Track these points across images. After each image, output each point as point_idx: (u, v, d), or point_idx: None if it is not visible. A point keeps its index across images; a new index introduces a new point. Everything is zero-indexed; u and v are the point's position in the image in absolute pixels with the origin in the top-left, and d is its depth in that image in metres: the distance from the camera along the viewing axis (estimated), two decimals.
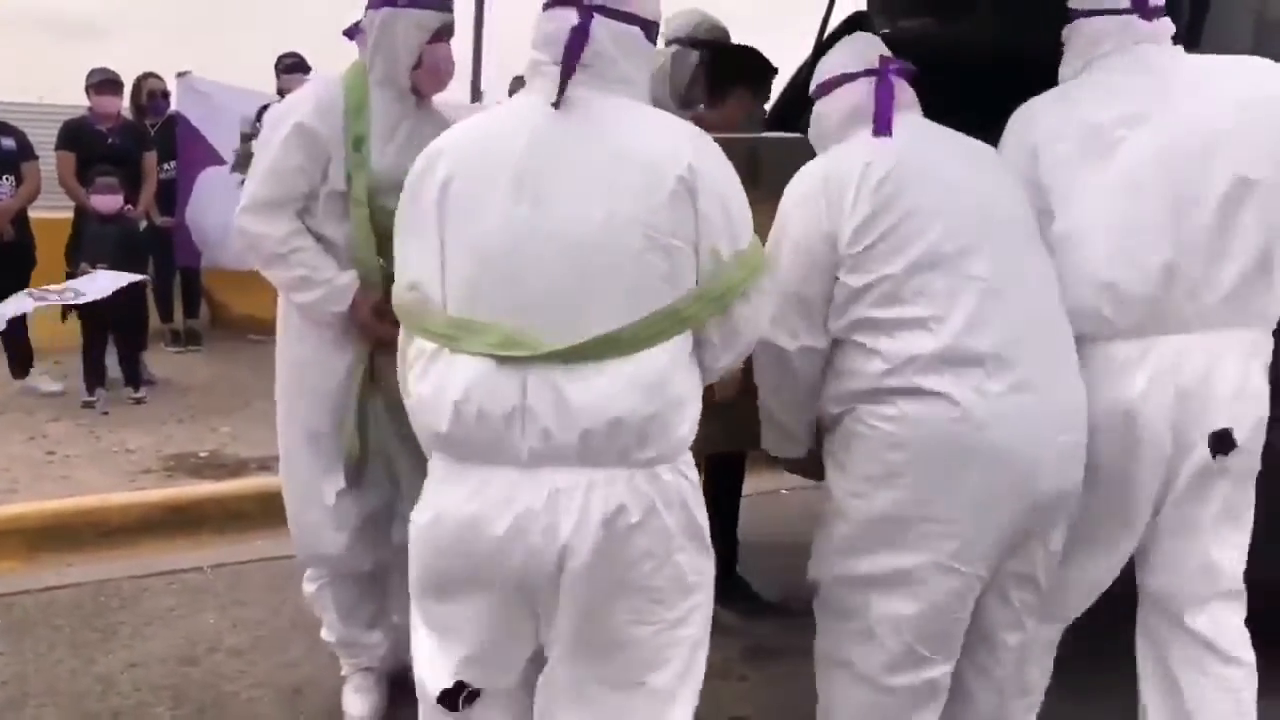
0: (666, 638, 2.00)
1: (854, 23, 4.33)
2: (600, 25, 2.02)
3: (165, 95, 7.69)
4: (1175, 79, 2.49)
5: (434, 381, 1.97)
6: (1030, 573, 2.42)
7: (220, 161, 7.45)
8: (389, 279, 2.20)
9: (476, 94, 6.15)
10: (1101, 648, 2.67)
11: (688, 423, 1.99)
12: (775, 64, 3.69)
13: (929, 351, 2.25)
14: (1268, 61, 2.53)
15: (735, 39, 3.93)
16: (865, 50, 2.54)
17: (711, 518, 2.09)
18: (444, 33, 2.88)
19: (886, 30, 4.17)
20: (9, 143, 6.63)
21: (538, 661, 2.06)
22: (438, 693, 2.05)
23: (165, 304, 7.82)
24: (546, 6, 2.07)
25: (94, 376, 6.41)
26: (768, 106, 3.97)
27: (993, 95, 2.71)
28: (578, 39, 1.99)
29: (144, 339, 6.86)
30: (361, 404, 2.89)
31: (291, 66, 7.41)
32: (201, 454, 5.59)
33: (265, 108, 4.60)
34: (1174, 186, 2.40)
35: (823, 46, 3.94)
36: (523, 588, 1.95)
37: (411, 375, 2.04)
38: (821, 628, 2.50)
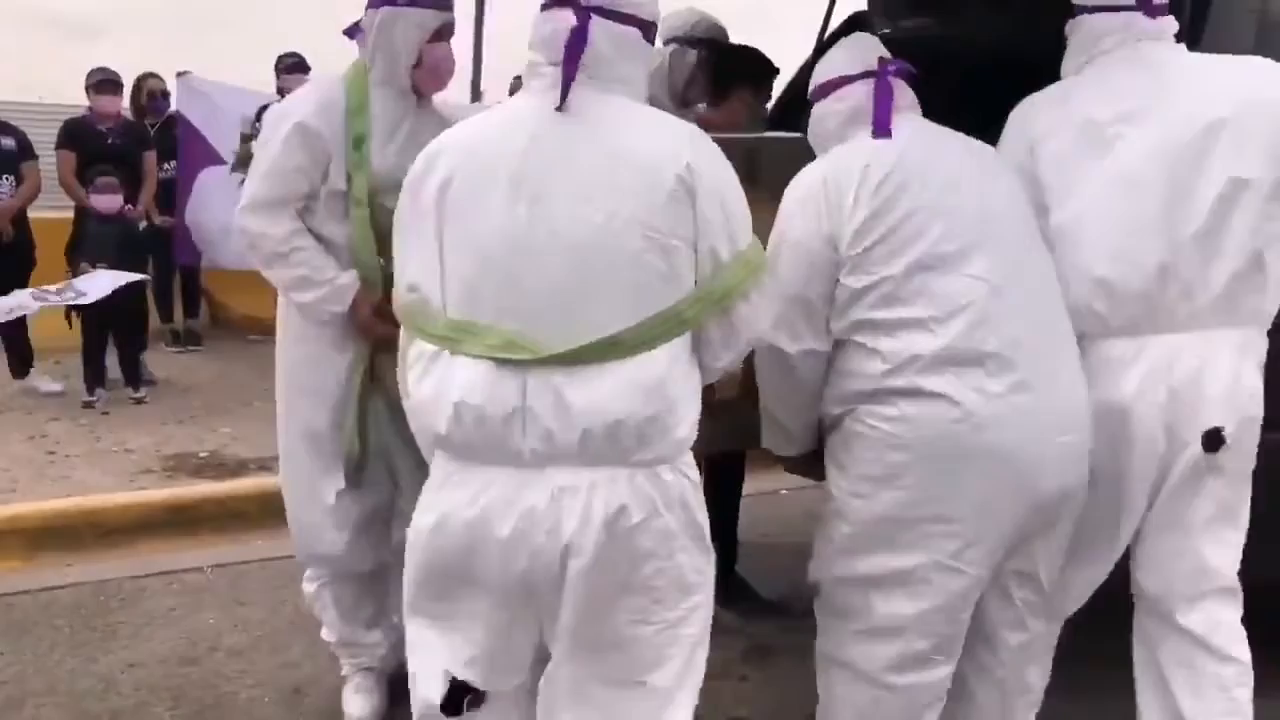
0: (667, 637, 2.01)
1: (854, 23, 4.32)
2: (598, 26, 2.01)
3: (165, 95, 7.69)
4: (1175, 77, 2.49)
5: (434, 383, 1.97)
6: (1032, 571, 2.43)
7: (220, 161, 7.44)
8: (389, 279, 2.20)
9: (476, 94, 6.14)
10: (1101, 647, 2.67)
11: (688, 423, 1.99)
12: (775, 63, 3.70)
13: (930, 352, 2.25)
14: (1268, 61, 2.53)
15: (733, 38, 3.92)
16: (864, 52, 2.54)
17: (711, 517, 2.09)
18: (444, 32, 2.88)
19: (887, 30, 4.17)
20: (9, 142, 6.64)
21: (542, 663, 2.06)
22: (440, 698, 2.04)
23: (165, 304, 7.83)
24: (544, 7, 2.07)
25: (94, 376, 6.42)
26: (769, 106, 3.97)
27: (993, 95, 2.71)
28: (576, 41, 1.99)
29: (144, 339, 6.87)
30: (362, 404, 2.89)
31: (292, 66, 7.42)
32: (201, 454, 5.59)
33: (265, 108, 4.59)
34: (1170, 185, 2.40)
35: (823, 47, 3.93)
36: (527, 588, 1.95)
37: (411, 376, 2.04)
38: (822, 628, 2.50)
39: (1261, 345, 2.47)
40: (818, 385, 2.43)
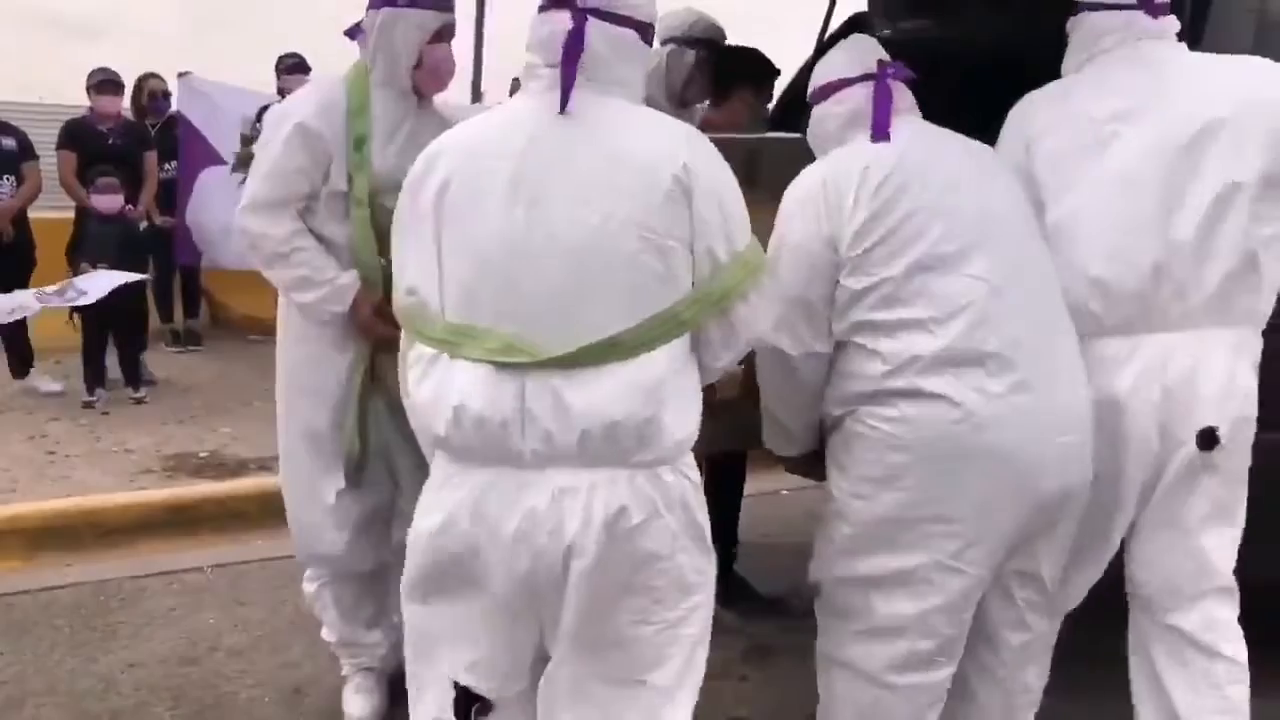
0: (667, 637, 2.01)
1: (855, 24, 4.33)
2: (594, 28, 2.01)
3: (166, 95, 7.70)
4: (1175, 76, 2.49)
5: (433, 386, 1.97)
6: (1035, 571, 2.43)
7: (221, 162, 7.45)
8: (390, 279, 2.20)
9: (477, 94, 6.14)
10: (1100, 647, 2.67)
11: (688, 425, 1.99)
12: (776, 64, 3.69)
13: (930, 353, 2.25)
14: (1268, 62, 2.53)
15: (733, 38, 3.92)
16: (862, 54, 2.54)
17: (712, 517, 2.09)
18: (445, 33, 2.89)
19: (887, 31, 4.17)
20: (10, 142, 6.64)
21: (542, 664, 2.06)
22: (448, 708, 2.04)
23: (165, 304, 7.83)
24: (541, 9, 2.07)
25: (94, 376, 6.42)
26: (770, 106, 3.97)
27: (993, 96, 2.71)
28: (573, 43, 1.99)
29: (144, 339, 6.87)
30: (362, 404, 2.89)
31: (292, 67, 7.43)
32: (201, 454, 5.59)
33: (265, 108, 4.59)
34: (1166, 184, 2.40)
35: (824, 47, 3.93)
36: (530, 589, 1.95)
37: (411, 376, 2.04)
38: (823, 628, 2.50)
39: (1256, 345, 2.48)
40: (819, 386, 2.43)
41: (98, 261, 6.09)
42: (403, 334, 2.10)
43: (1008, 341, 2.26)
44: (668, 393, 1.94)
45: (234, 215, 2.88)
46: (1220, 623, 2.49)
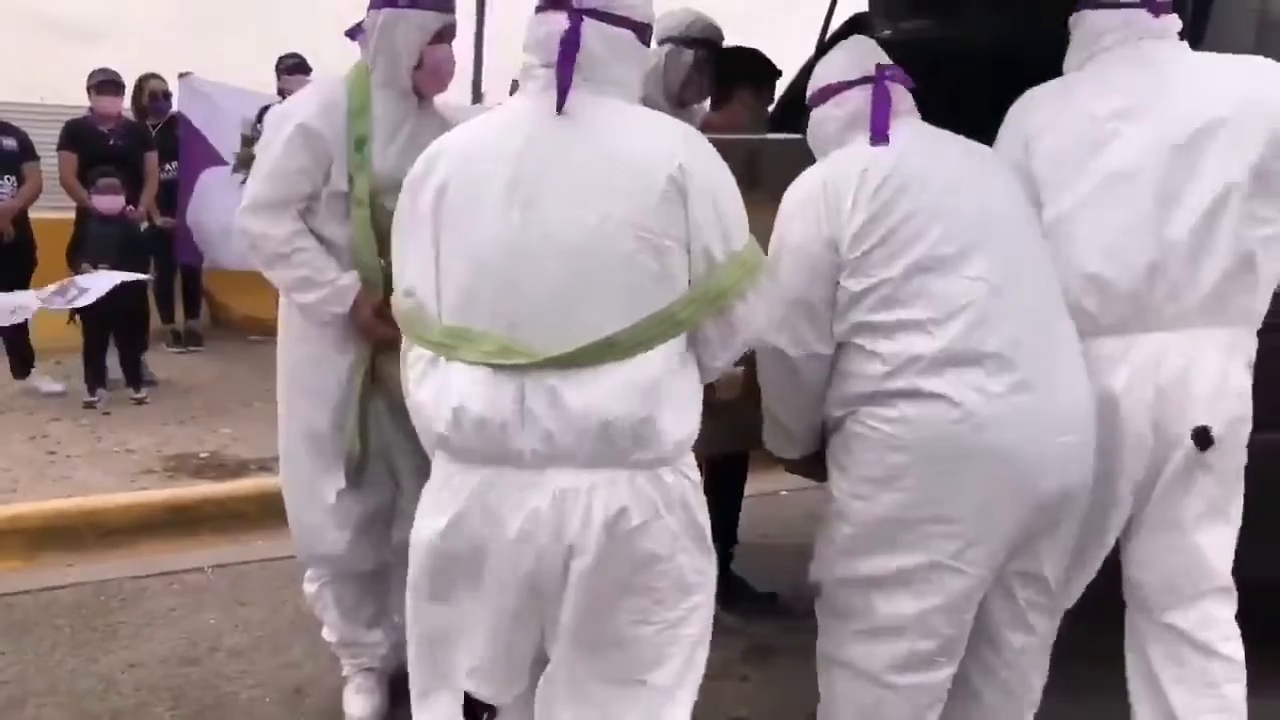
0: (667, 636, 2.01)
1: (855, 24, 4.33)
2: (591, 29, 2.01)
3: (167, 96, 7.70)
4: (1175, 75, 2.49)
5: (432, 388, 1.98)
6: (1037, 571, 2.43)
7: (221, 162, 7.45)
8: (390, 280, 2.20)
9: (477, 95, 6.14)
10: (1100, 647, 2.67)
11: (687, 425, 1.99)
12: (776, 64, 3.69)
13: (929, 353, 2.25)
14: (1269, 61, 2.53)
15: (733, 38, 3.92)
16: (861, 57, 2.54)
17: (713, 518, 2.09)
18: (445, 34, 2.89)
19: (887, 32, 4.17)
20: (10, 143, 6.65)
21: (541, 665, 2.06)
22: (458, 716, 2.05)
23: (166, 305, 7.84)
24: (538, 10, 2.07)
25: (95, 377, 6.43)
26: (770, 107, 3.97)
27: (993, 97, 2.71)
28: (570, 44, 1.99)
29: (145, 339, 6.88)
30: (363, 404, 2.89)
31: (293, 67, 7.43)
32: (202, 454, 5.60)
33: (266, 109, 4.60)
34: (1164, 183, 2.40)
35: (824, 48, 3.94)
36: (532, 589, 1.95)
37: (411, 376, 2.05)
38: (823, 628, 2.50)
39: (1251, 345, 2.48)
40: (821, 388, 2.43)
41: (99, 262, 6.09)
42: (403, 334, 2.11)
43: (1007, 341, 2.26)
44: (665, 393, 1.94)
45: (235, 216, 2.88)
46: (1217, 621, 2.49)
